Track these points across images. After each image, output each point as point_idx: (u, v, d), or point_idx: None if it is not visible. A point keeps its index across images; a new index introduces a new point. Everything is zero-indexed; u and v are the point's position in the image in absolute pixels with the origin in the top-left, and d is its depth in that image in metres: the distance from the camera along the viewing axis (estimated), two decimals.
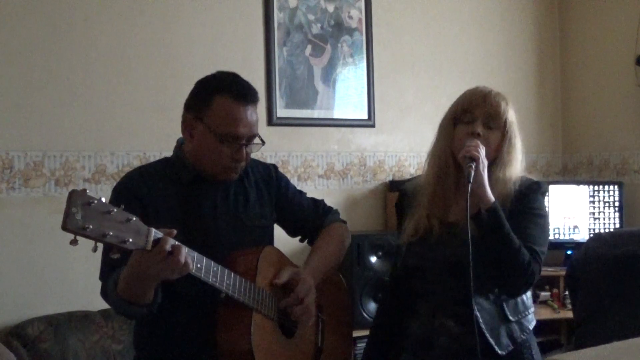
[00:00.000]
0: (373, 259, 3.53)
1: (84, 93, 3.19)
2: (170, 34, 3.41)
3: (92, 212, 1.42)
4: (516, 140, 1.98)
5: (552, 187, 4.16)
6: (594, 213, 4.13)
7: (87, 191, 1.43)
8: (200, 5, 3.49)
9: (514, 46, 4.52)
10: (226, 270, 1.75)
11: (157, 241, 1.55)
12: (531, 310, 2.01)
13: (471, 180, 1.81)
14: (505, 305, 1.93)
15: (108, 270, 1.78)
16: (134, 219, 1.51)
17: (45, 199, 3.08)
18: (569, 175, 4.61)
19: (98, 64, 3.22)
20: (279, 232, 2.17)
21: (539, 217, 1.96)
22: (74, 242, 1.42)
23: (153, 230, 1.55)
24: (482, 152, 1.87)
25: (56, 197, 3.10)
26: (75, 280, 3.11)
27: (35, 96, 3.09)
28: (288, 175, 3.87)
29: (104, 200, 1.47)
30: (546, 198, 2.05)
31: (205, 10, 3.51)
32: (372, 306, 3.48)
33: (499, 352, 1.89)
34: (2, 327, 2.94)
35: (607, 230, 4.06)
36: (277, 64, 3.67)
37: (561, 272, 3.82)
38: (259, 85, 3.63)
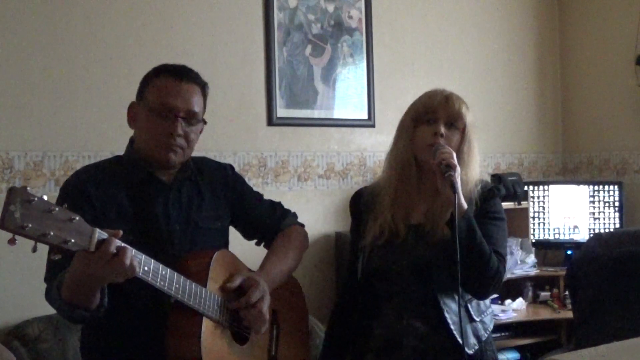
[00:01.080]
0: None
1: (84, 93, 3.19)
2: (170, 34, 3.41)
3: (32, 210, 1.36)
4: (474, 143, 2.02)
5: (552, 187, 4.17)
6: (594, 213, 4.13)
7: (28, 188, 1.38)
8: (200, 5, 3.49)
9: (514, 46, 4.52)
10: (175, 274, 1.67)
11: (101, 242, 1.48)
12: (490, 310, 2.08)
13: (456, 191, 1.82)
14: (469, 306, 1.99)
15: (52, 272, 1.71)
16: (77, 218, 1.45)
17: None
18: (569, 175, 4.61)
19: (98, 64, 3.22)
20: (235, 234, 2.12)
21: (500, 220, 2.02)
22: (12, 242, 1.36)
23: (97, 230, 1.49)
24: (455, 158, 1.90)
25: (56, 197, 3.10)
26: None
27: (35, 96, 3.09)
28: (288, 176, 3.90)
29: (45, 198, 1.41)
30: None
31: (205, 10, 3.51)
32: None
33: (467, 351, 1.92)
34: (2, 327, 2.94)
35: (607, 230, 4.06)
36: (277, 64, 3.67)
37: (561, 272, 3.82)
38: (259, 85, 3.65)
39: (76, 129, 3.17)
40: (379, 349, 1.99)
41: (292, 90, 3.73)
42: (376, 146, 4.01)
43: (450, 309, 1.93)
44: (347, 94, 3.91)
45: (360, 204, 2.10)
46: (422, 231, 1.96)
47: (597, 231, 4.08)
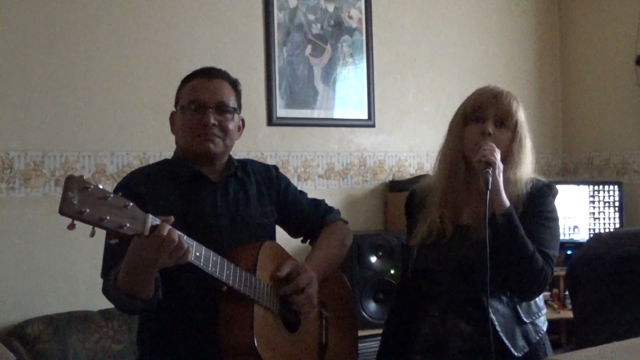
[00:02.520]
0: (373, 259, 3.53)
1: (84, 93, 3.19)
2: (170, 34, 3.41)
3: (89, 197, 1.42)
4: (526, 140, 1.96)
5: None
6: (594, 213, 4.13)
7: (84, 176, 1.44)
8: (200, 5, 3.49)
9: (514, 46, 4.52)
10: (226, 260, 1.74)
11: (154, 227, 1.55)
12: (543, 312, 2.01)
13: (490, 187, 1.79)
14: (519, 308, 1.92)
15: (109, 266, 1.78)
16: (131, 205, 1.50)
17: (45, 199, 3.08)
18: (569, 175, 4.61)
19: (98, 64, 3.22)
20: (280, 233, 2.16)
21: (551, 220, 1.96)
22: (71, 227, 1.43)
23: (150, 216, 1.55)
24: (498, 155, 1.85)
25: (56, 197, 3.08)
26: (75, 280, 3.11)
27: (35, 96, 3.09)
28: (288, 175, 3.88)
29: (101, 186, 1.47)
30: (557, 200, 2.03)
31: (205, 10, 3.51)
32: (372, 306, 3.48)
33: (515, 354, 1.87)
34: (2, 327, 2.94)
35: (607, 230, 4.06)
36: (277, 64, 3.67)
37: (561, 272, 3.81)
38: (259, 85, 3.65)
39: (76, 129, 3.17)
40: (425, 349, 1.96)
41: (292, 90, 3.73)
42: (376, 146, 4.01)
43: (497, 310, 1.87)
44: (347, 94, 3.91)
45: (413, 203, 2.07)
46: (469, 231, 1.91)
47: (597, 231, 4.08)
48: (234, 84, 2.00)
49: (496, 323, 1.86)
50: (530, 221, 1.90)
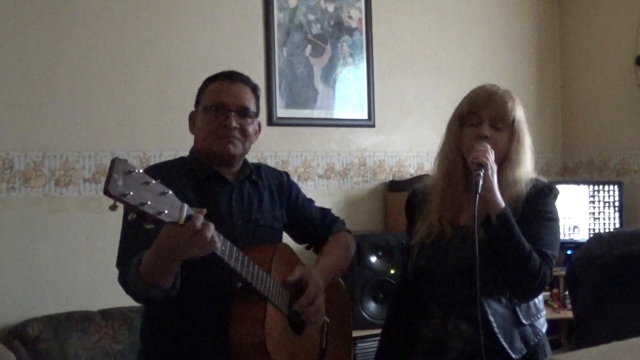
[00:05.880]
0: (373, 259, 3.53)
1: (84, 93, 3.19)
2: (170, 34, 3.41)
3: (133, 180, 1.45)
4: (525, 139, 1.94)
5: None
6: (594, 213, 4.13)
7: (128, 161, 1.47)
8: (200, 5, 3.49)
9: (514, 46, 4.52)
10: (247, 257, 1.78)
11: (189, 217, 1.58)
12: (543, 314, 1.99)
13: (479, 191, 1.77)
14: (518, 309, 1.91)
15: (128, 255, 1.81)
16: (170, 192, 1.54)
17: (45, 199, 3.08)
18: (569, 175, 4.61)
19: (98, 64, 3.22)
20: (285, 239, 2.18)
21: (550, 220, 1.94)
22: (113, 208, 1.45)
23: (186, 205, 1.59)
24: (491, 156, 1.83)
25: (56, 197, 3.11)
26: (75, 280, 3.12)
27: (35, 96, 3.09)
28: None
29: (141, 171, 1.50)
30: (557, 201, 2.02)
31: (205, 10, 3.51)
32: (372, 306, 3.48)
33: (513, 356, 1.87)
34: (2, 327, 2.94)
35: (607, 230, 4.06)
36: (277, 64, 3.67)
37: (561, 272, 3.82)
38: (259, 85, 3.64)
39: (76, 129, 3.17)
40: (426, 351, 1.95)
41: (292, 90, 3.73)
42: (376, 146, 4.01)
43: (495, 312, 1.86)
44: (347, 94, 3.91)
45: (414, 203, 2.07)
46: (468, 232, 1.89)
47: (597, 231, 4.08)
48: (254, 89, 2.05)
49: (494, 325, 1.85)
50: (530, 221, 1.88)
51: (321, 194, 3.75)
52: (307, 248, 2.25)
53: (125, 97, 3.29)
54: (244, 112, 1.97)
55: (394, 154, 4.06)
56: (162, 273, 1.70)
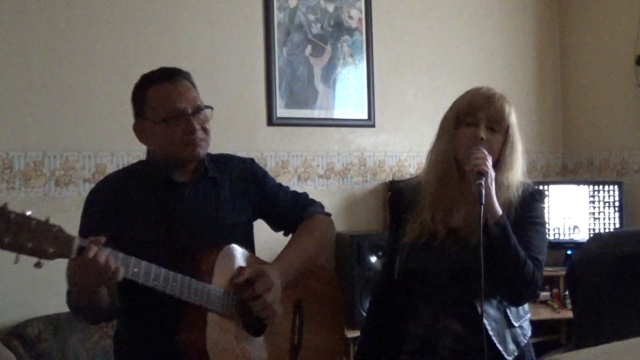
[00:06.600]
0: (373, 259, 3.53)
1: (84, 93, 3.19)
2: (170, 34, 3.41)
3: (11, 225, 1.46)
4: (518, 144, 1.96)
5: (552, 187, 4.16)
6: (594, 213, 4.13)
7: (8, 204, 1.46)
8: (200, 5, 3.49)
9: (514, 46, 4.52)
10: (171, 272, 1.73)
11: (82, 249, 1.56)
12: (528, 316, 2.02)
13: (483, 201, 1.78)
14: (508, 311, 1.93)
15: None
16: (57, 228, 1.53)
17: (45, 199, 3.08)
18: (569, 175, 4.61)
19: (98, 64, 3.22)
20: (266, 228, 2.16)
21: (540, 225, 1.96)
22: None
23: (77, 238, 1.56)
24: (490, 163, 1.85)
25: (56, 197, 3.11)
26: None
27: (35, 96, 3.09)
28: (288, 175, 3.90)
29: (29, 213, 1.49)
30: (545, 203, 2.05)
31: (205, 11, 3.51)
32: None
33: (507, 357, 1.88)
34: (2, 327, 2.94)
35: (607, 230, 4.06)
36: (277, 64, 3.67)
37: (561, 272, 3.82)
38: (259, 85, 3.65)
39: (76, 129, 3.17)
40: (415, 350, 1.95)
41: (292, 90, 3.73)
42: (376, 146, 4.01)
43: (488, 314, 1.87)
44: (347, 94, 3.91)
45: (401, 202, 2.05)
46: (462, 235, 1.90)
47: (597, 231, 4.08)
48: (189, 78, 1.97)
49: (488, 327, 1.87)
50: (522, 226, 1.90)
51: (321, 194, 3.75)
52: (285, 235, 2.15)
53: (125, 97, 3.26)
54: (198, 111, 1.91)
55: (393, 154, 4.06)
56: (86, 301, 1.70)
